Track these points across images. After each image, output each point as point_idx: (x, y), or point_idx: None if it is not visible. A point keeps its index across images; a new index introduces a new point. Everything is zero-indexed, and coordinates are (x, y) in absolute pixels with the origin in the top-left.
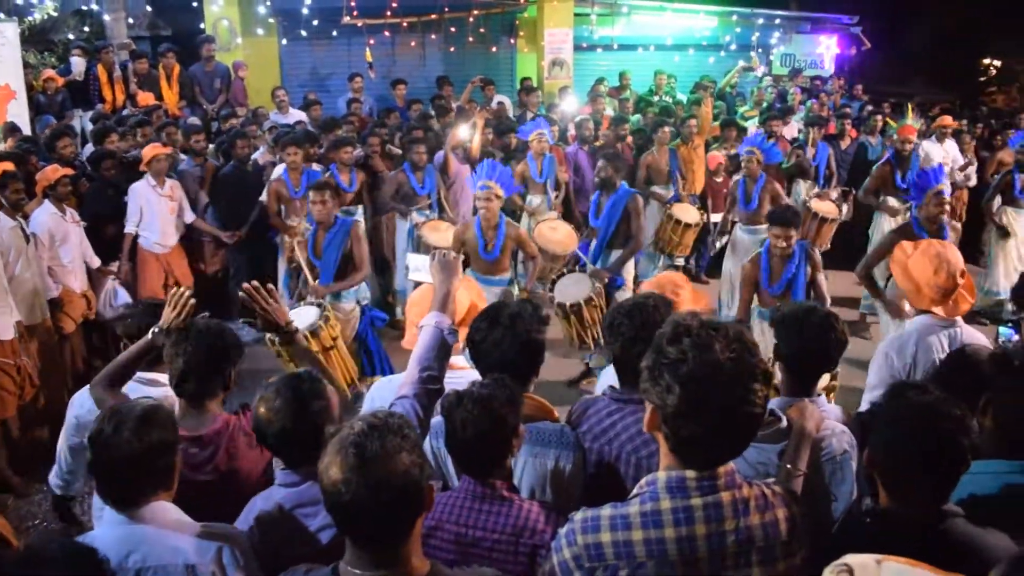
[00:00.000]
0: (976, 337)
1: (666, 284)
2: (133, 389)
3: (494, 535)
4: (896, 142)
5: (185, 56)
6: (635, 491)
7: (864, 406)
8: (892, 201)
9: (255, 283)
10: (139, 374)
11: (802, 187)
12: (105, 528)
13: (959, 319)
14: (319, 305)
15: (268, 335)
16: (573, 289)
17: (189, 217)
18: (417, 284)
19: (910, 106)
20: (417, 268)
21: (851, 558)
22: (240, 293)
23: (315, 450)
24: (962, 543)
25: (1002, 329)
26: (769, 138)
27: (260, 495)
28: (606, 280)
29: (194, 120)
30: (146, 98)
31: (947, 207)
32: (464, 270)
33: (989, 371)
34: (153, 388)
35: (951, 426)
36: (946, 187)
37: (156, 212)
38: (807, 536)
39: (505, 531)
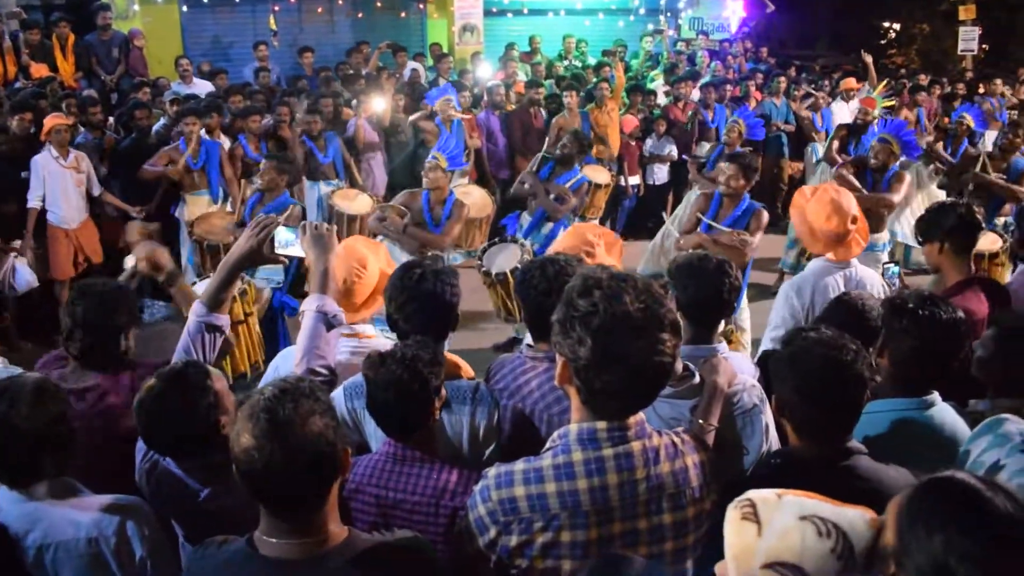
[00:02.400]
0: (870, 277)
1: (580, 240)
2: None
3: (414, 497)
4: (858, 113)
5: (80, 25)
6: (548, 445)
7: (766, 344)
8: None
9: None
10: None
11: (706, 148)
12: (1, 507)
13: (854, 260)
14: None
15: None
16: (500, 258)
17: (97, 190)
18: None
19: (881, 83)
20: (288, 243)
21: (753, 493)
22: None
23: (209, 448)
24: (866, 478)
25: (889, 266)
26: (678, 101)
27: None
28: (532, 252)
29: (91, 92)
30: (39, 69)
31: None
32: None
33: (884, 314)
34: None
35: (851, 357)
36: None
37: (61, 185)
38: (717, 482)
39: (426, 493)
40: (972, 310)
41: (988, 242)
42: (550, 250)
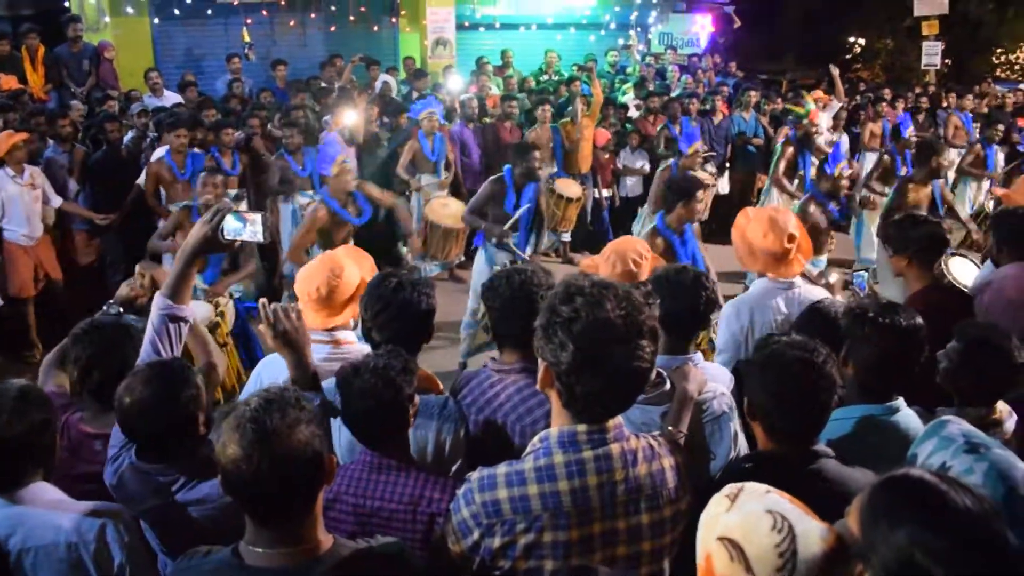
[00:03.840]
0: (817, 296)
1: (628, 249)
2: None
3: (391, 504)
4: (806, 127)
5: (49, 37)
6: (528, 448)
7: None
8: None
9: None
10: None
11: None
12: None
13: (798, 280)
14: (214, 303)
15: None
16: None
17: (56, 201)
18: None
19: (808, 94)
20: (237, 231)
21: (746, 483)
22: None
23: (186, 443)
24: (833, 481)
25: (859, 274)
26: (649, 114)
27: None
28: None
29: (73, 103)
30: (9, 81)
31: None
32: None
33: (846, 323)
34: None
35: (821, 360)
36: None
37: (20, 203)
38: (691, 484)
39: (403, 501)
40: (934, 316)
41: None
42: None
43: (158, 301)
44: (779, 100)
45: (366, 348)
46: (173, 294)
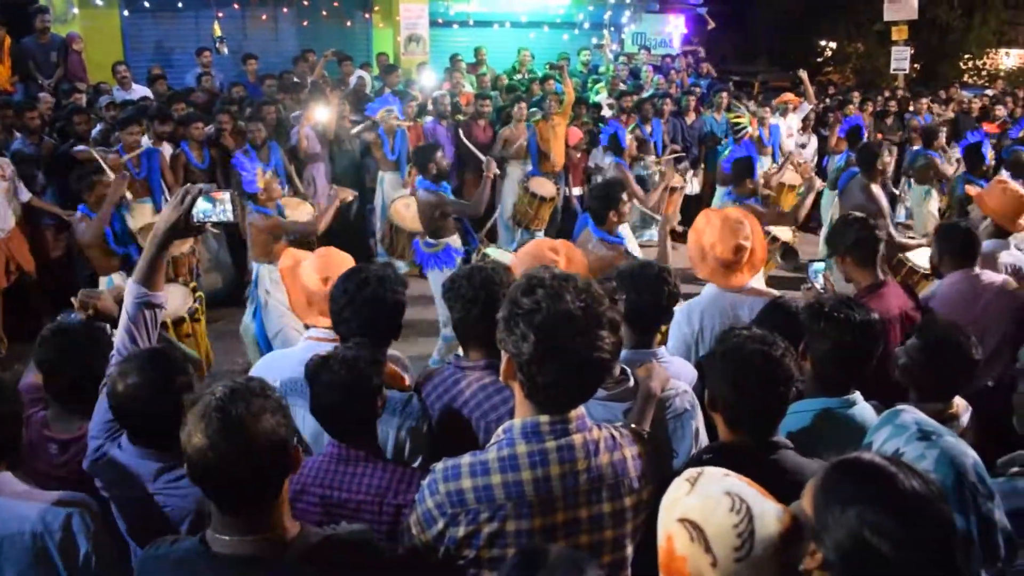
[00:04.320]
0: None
1: (540, 256)
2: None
3: (359, 496)
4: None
5: (16, 28)
6: (492, 439)
7: None
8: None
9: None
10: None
11: (648, 160)
12: None
13: (749, 287)
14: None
15: None
16: None
17: (24, 196)
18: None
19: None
20: (207, 213)
21: (707, 468)
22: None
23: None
24: (791, 471)
25: (814, 265)
26: (621, 113)
27: None
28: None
29: (41, 95)
30: None
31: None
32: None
33: (804, 318)
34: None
35: (780, 352)
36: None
37: None
38: (653, 474)
39: (370, 492)
40: (882, 310)
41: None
42: (513, 266)
43: (131, 288)
44: (751, 102)
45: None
46: (145, 280)
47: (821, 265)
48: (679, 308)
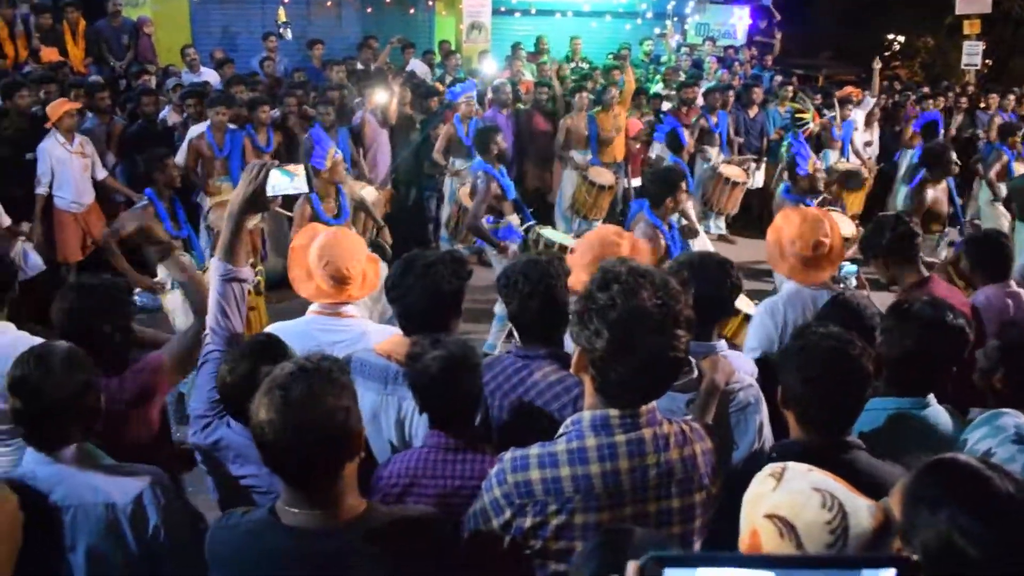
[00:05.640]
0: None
1: (608, 233)
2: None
3: (472, 482)
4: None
5: (90, 11)
6: (561, 430)
7: None
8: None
9: None
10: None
11: (711, 153)
12: (30, 466)
13: (828, 283)
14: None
15: None
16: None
17: (101, 174)
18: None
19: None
20: (282, 186)
21: (787, 463)
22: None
23: None
24: (864, 473)
25: (844, 264)
26: (682, 106)
27: None
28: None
29: (96, 78)
30: (50, 54)
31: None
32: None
33: (886, 316)
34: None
35: (857, 352)
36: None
37: (69, 170)
38: (721, 469)
39: (481, 477)
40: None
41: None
42: (575, 249)
43: (216, 265)
44: (818, 96)
45: (367, 322)
46: (228, 256)
47: (853, 267)
48: (762, 304)
